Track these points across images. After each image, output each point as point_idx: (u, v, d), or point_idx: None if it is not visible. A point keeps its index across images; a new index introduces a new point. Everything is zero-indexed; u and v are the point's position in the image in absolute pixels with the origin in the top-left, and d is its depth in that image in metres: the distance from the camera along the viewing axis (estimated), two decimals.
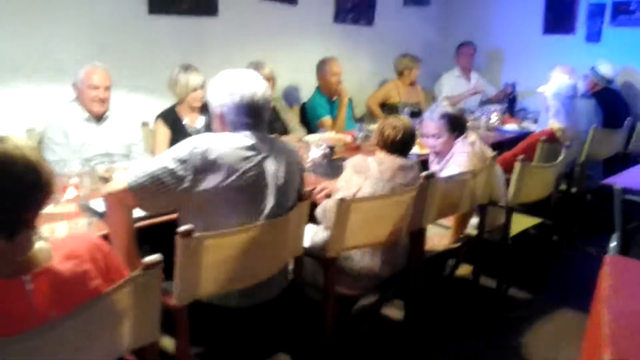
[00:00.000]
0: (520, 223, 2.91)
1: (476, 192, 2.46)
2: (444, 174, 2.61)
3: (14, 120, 3.01)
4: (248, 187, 1.72)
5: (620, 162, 3.81)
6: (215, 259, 1.55)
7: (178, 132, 3.18)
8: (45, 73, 3.08)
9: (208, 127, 3.24)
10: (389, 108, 4.54)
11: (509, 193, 2.63)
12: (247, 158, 1.72)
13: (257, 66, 3.55)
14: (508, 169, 2.75)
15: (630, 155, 3.96)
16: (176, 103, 3.27)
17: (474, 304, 2.83)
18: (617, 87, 4.29)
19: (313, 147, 2.91)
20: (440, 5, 5.47)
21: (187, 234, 1.46)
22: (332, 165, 2.85)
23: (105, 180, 2.36)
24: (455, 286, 2.84)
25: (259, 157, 1.75)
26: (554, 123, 3.11)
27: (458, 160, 2.59)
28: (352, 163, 2.25)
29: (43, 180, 1.12)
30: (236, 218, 1.69)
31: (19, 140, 1.14)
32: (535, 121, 4.22)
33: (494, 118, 4.08)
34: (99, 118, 2.86)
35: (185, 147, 1.68)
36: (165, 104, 3.49)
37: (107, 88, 2.81)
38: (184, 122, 3.22)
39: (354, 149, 3.24)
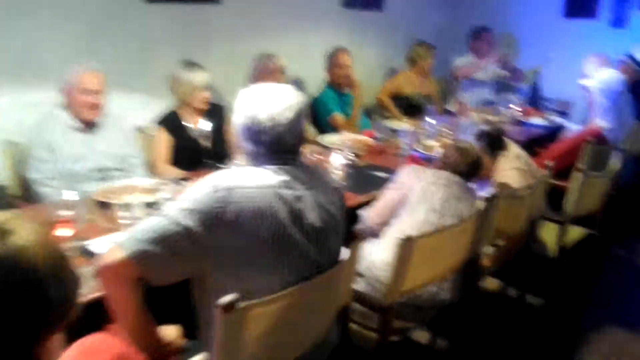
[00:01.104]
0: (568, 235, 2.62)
1: (532, 209, 2.18)
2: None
3: None
4: (283, 234, 1.36)
5: None
6: (260, 330, 1.23)
7: (181, 137, 2.84)
8: (26, 76, 2.69)
9: (214, 131, 2.90)
10: (400, 99, 4.22)
11: (567, 205, 2.36)
12: (279, 199, 1.36)
13: (268, 58, 3.21)
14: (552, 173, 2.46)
15: None
16: (177, 105, 2.91)
17: (521, 324, 2.58)
18: None
19: (334, 153, 2.58)
20: None
21: (231, 306, 1.13)
22: (360, 174, 2.54)
23: (103, 206, 2.02)
24: (494, 302, 2.54)
25: (294, 196, 1.39)
26: (602, 121, 2.81)
27: (507, 177, 2.31)
28: (406, 167, 2.15)
29: (64, 290, 0.78)
30: (274, 274, 1.36)
31: (28, 229, 0.78)
32: (562, 113, 3.97)
33: (515, 108, 3.77)
34: (90, 126, 2.49)
35: (200, 194, 1.33)
36: (163, 104, 3.14)
37: (101, 92, 2.43)
38: (187, 126, 2.87)
39: (378, 152, 2.94)
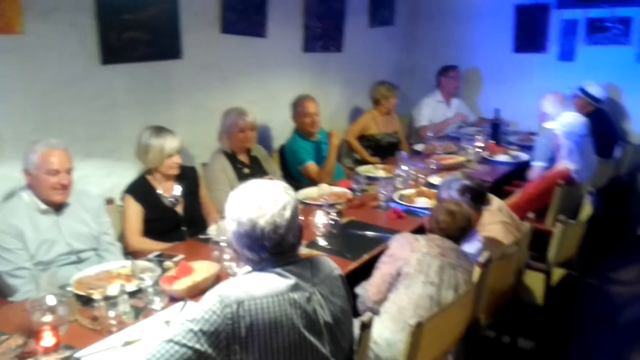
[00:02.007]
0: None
1: (520, 262, 2.22)
2: (472, 249, 2.32)
3: None
4: (299, 341, 1.32)
5: (613, 188, 3.75)
6: None
7: (152, 206, 2.70)
8: None
9: (187, 196, 2.78)
10: (367, 140, 4.23)
11: (550, 254, 2.41)
12: (292, 304, 1.31)
13: (239, 115, 3.15)
14: (523, 216, 2.51)
15: (621, 181, 3.92)
16: (145, 171, 2.77)
17: None
18: (605, 107, 4.16)
19: (319, 213, 2.51)
20: (404, 24, 5.24)
21: None
22: (345, 234, 2.48)
23: (83, 300, 1.86)
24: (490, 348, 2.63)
25: (305, 298, 1.35)
26: (568, 163, 2.93)
27: (492, 233, 2.33)
28: (398, 236, 2.08)
29: None
30: None
31: None
32: (522, 148, 4.08)
33: (480, 146, 3.85)
34: (57, 208, 2.31)
35: (208, 312, 1.25)
36: (128, 167, 3.01)
37: (69, 171, 2.27)
38: (159, 193, 2.73)
39: (358, 206, 2.88)
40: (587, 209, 2.76)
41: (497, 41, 4.88)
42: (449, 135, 4.59)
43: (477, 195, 2.38)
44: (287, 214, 1.37)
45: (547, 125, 3.17)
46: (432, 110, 4.74)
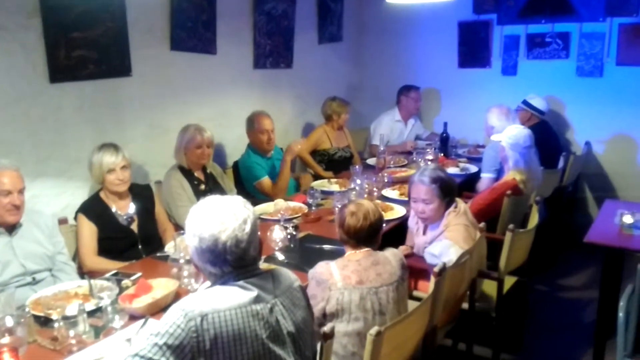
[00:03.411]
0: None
1: (472, 270, 2.32)
2: (437, 248, 2.43)
3: None
4: (264, 352, 1.36)
5: (558, 197, 3.89)
6: None
7: (106, 224, 2.68)
8: None
9: (142, 214, 2.77)
10: (320, 155, 4.32)
11: (501, 263, 2.50)
12: (254, 315, 1.36)
13: (197, 131, 3.16)
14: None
15: (566, 190, 4.06)
16: (99, 189, 2.75)
17: None
18: (548, 119, 4.34)
19: (276, 228, 2.56)
20: (352, 41, 5.38)
21: None
22: (303, 248, 2.54)
23: (41, 321, 1.84)
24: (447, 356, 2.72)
25: (267, 309, 1.40)
26: (515, 174, 3.03)
27: (456, 234, 2.43)
28: (313, 273, 2.00)
29: None
30: None
31: None
32: (471, 160, 4.23)
33: (430, 159, 3.98)
34: (9, 229, 2.27)
35: (173, 326, 1.28)
36: (80, 187, 2.98)
37: (21, 191, 2.24)
38: (112, 211, 2.71)
39: (314, 220, 2.93)
40: (534, 218, 2.84)
41: (442, 57, 5.02)
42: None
43: (446, 188, 2.48)
44: (248, 228, 1.40)
45: (494, 137, 3.28)
46: (389, 130, 4.81)
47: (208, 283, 1.50)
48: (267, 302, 1.40)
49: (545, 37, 4.53)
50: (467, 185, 3.76)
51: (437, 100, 5.15)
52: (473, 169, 4.01)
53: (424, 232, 2.65)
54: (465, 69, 4.96)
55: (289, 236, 2.55)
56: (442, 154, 4.28)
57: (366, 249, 2.04)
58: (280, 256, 2.44)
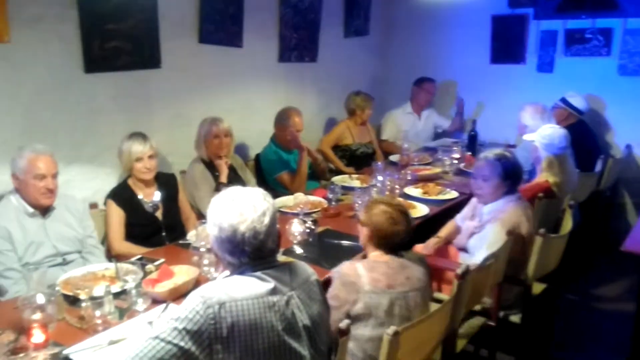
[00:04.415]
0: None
1: (498, 271, 2.31)
2: (484, 232, 2.42)
3: None
4: (279, 343, 1.41)
5: (594, 202, 3.72)
6: None
7: (133, 210, 2.79)
8: None
9: (166, 202, 2.88)
10: (342, 150, 4.36)
11: (529, 268, 2.42)
12: (271, 307, 1.40)
13: (213, 122, 3.24)
14: None
15: (603, 195, 3.89)
16: (128, 176, 2.87)
17: None
18: (587, 119, 4.17)
19: (295, 221, 2.63)
20: (379, 35, 5.37)
21: None
22: (321, 243, 2.59)
23: (70, 300, 1.95)
24: None
25: (284, 301, 1.44)
26: (548, 176, 2.94)
27: (508, 224, 2.39)
28: (339, 274, 1.90)
29: None
30: None
31: None
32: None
33: (456, 157, 3.94)
34: (44, 212, 2.40)
35: (192, 312, 1.34)
36: (110, 173, 3.10)
37: (55, 175, 2.36)
38: (139, 198, 2.82)
39: (333, 215, 2.98)
40: (567, 223, 2.73)
41: (473, 52, 4.90)
42: (426, 147, 4.69)
43: (509, 169, 2.46)
44: (267, 220, 1.45)
45: (526, 137, 3.18)
46: (400, 122, 4.82)
47: (227, 272, 1.56)
48: (283, 294, 1.44)
49: (586, 33, 4.33)
50: None
51: (466, 96, 5.01)
52: None
53: (473, 217, 2.63)
54: (498, 64, 4.82)
55: (307, 230, 2.59)
56: (469, 153, 4.21)
57: (386, 253, 1.96)
58: (299, 250, 2.49)
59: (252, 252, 1.45)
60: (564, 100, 4.10)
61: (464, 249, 2.69)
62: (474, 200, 2.76)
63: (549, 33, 4.53)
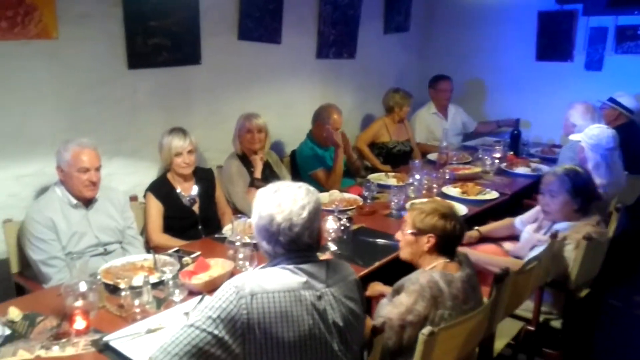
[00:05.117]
0: None
1: (540, 275, 2.25)
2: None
3: None
4: (309, 337, 1.42)
5: None
6: None
7: (172, 203, 2.86)
8: (16, 150, 2.66)
9: (203, 196, 2.93)
10: (378, 147, 4.34)
11: (573, 273, 2.33)
12: (302, 301, 1.42)
13: (247, 118, 3.27)
14: None
15: None
16: (166, 170, 2.94)
17: None
18: (637, 120, 4.00)
19: (330, 218, 2.63)
20: (419, 31, 5.31)
21: None
22: (356, 241, 2.59)
23: (114, 290, 2.01)
24: None
25: (316, 296, 1.45)
26: (594, 178, 2.79)
27: (580, 244, 2.27)
28: (417, 284, 1.75)
29: None
30: None
31: None
32: (544, 161, 4.03)
33: (498, 157, 3.86)
34: (87, 203, 2.48)
35: (225, 301, 1.37)
36: (150, 167, 3.18)
37: (98, 168, 2.44)
38: (177, 192, 2.88)
39: (368, 213, 2.95)
40: (613, 227, 2.65)
41: (518, 49, 4.79)
42: (465, 145, 4.63)
43: (581, 187, 2.34)
44: (305, 214, 1.46)
45: (572, 137, 3.09)
46: (428, 124, 4.76)
47: (255, 268, 1.58)
48: (316, 290, 1.45)
49: (639, 29, 4.18)
50: (537, 188, 3.50)
51: (509, 94, 4.91)
52: (546, 170, 3.73)
53: (539, 229, 2.54)
54: (544, 62, 4.70)
55: (342, 227, 2.58)
56: (511, 152, 4.11)
57: (449, 259, 1.86)
58: (333, 247, 2.48)
59: (287, 244, 1.47)
60: (613, 100, 3.96)
61: (519, 258, 2.59)
62: (538, 207, 2.67)
63: (598, 30, 4.39)
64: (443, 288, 1.74)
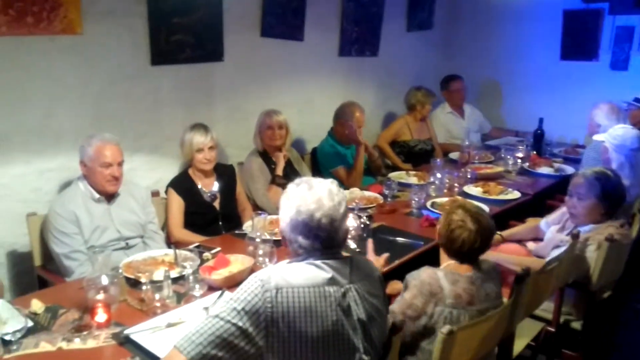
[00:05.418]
0: None
1: (561, 276, 2.21)
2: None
3: (9, 203, 2.63)
4: (332, 332, 1.41)
5: None
6: None
7: (193, 199, 2.87)
8: (40, 144, 2.70)
9: (224, 192, 2.93)
10: (400, 146, 4.30)
11: (594, 275, 2.29)
12: (327, 297, 1.41)
13: (267, 114, 3.27)
14: None
15: None
16: (188, 166, 2.95)
17: None
18: None
19: (350, 216, 2.61)
20: (443, 29, 5.26)
21: None
22: (376, 239, 2.56)
23: (135, 284, 2.03)
24: None
25: (340, 293, 1.44)
26: None
27: (602, 246, 2.23)
28: (417, 280, 1.77)
29: None
30: None
31: None
32: (567, 161, 3.99)
33: (520, 156, 3.81)
34: (109, 198, 2.51)
35: (250, 294, 1.37)
36: (171, 163, 3.20)
37: (121, 164, 2.46)
38: (198, 187, 2.90)
39: (389, 212, 2.93)
40: (635, 228, 2.63)
41: (542, 48, 4.75)
42: (487, 145, 4.59)
43: (610, 191, 2.29)
44: (342, 209, 1.48)
45: (596, 137, 3.06)
46: (444, 123, 4.71)
47: (282, 263, 1.57)
48: (340, 286, 1.44)
49: None
50: (560, 188, 3.43)
51: (533, 94, 4.85)
52: (569, 170, 3.75)
53: (562, 230, 2.51)
54: (568, 61, 4.65)
55: (362, 225, 2.58)
56: (534, 152, 4.07)
57: (470, 264, 1.84)
58: (352, 244, 2.47)
59: (326, 239, 1.46)
60: (638, 100, 3.89)
61: (541, 257, 2.55)
62: (564, 208, 2.63)
63: (625, 29, 4.33)
64: (444, 285, 1.74)
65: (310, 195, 1.47)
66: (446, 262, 1.87)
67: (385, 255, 2.16)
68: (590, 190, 2.34)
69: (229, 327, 1.34)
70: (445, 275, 1.77)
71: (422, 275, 1.78)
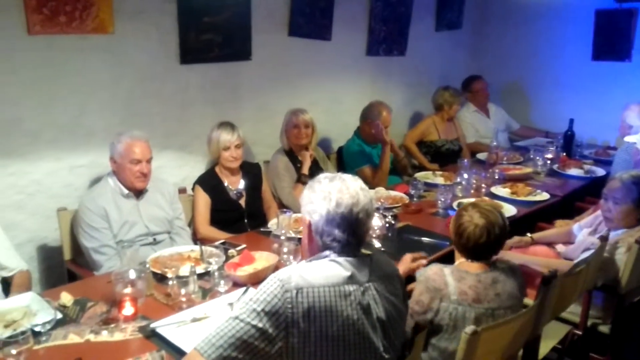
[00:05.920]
0: None
1: (588, 279, 2.17)
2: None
3: (40, 198, 2.70)
4: (353, 331, 1.39)
5: None
6: None
7: (219, 197, 2.90)
8: (72, 141, 2.76)
9: (250, 190, 2.95)
10: (427, 146, 4.26)
11: (624, 279, 2.24)
12: (347, 295, 1.39)
13: (294, 113, 3.28)
14: None
15: None
16: (215, 164, 2.98)
17: None
18: None
19: (375, 215, 2.59)
20: (472, 29, 5.19)
21: None
22: (401, 239, 2.55)
23: (162, 278, 2.05)
24: None
25: (360, 291, 1.42)
26: None
27: (633, 248, 2.18)
28: (425, 277, 1.79)
29: None
30: None
31: None
32: (598, 163, 3.91)
33: (550, 157, 3.75)
34: (137, 193, 2.55)
35: (270, 295, 1.35)
36: (198, 161, 3.23)
37: (149, 160, 2.51)
38: (225, 186, 2.92)
39: (414, 212, 2.91)
40: None
41: (573, 48, 4.68)
42: (516, 145, 4.53)
43: None
44: (374, 207, 1.51)
45: (628, 138, 3.01)
46: (470, 122, 4.63)
47: (302, 261, 1.57)
48: (360, 285, 1.43)
49: None
50: (591, 191, 3.43)
51: (563, 94, 4.75)
52: (600, 172, 3.67)
53: (594, 232, 2.46)
54: (600, 61, 4.56)
55: (387, 225, 2.57)
56: (564, 154, 4.00)
57: (481, 262, 1.83)
58: (377, 244, 2.47)
59: (362, 234, 1.48)
60: None
61: (570, 260, 2.50)
62: (598, 212, 2.58)
63: None
64: (449, 282, 1.75)
65: (347, 190, 1.46)
66: (459, 260, 1.89)
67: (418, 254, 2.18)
68: (627, 195, 2.28)
69: (249, 328, 1.33)
70: (452, 272, 1.79)
71: (429, 271, 1.81)
